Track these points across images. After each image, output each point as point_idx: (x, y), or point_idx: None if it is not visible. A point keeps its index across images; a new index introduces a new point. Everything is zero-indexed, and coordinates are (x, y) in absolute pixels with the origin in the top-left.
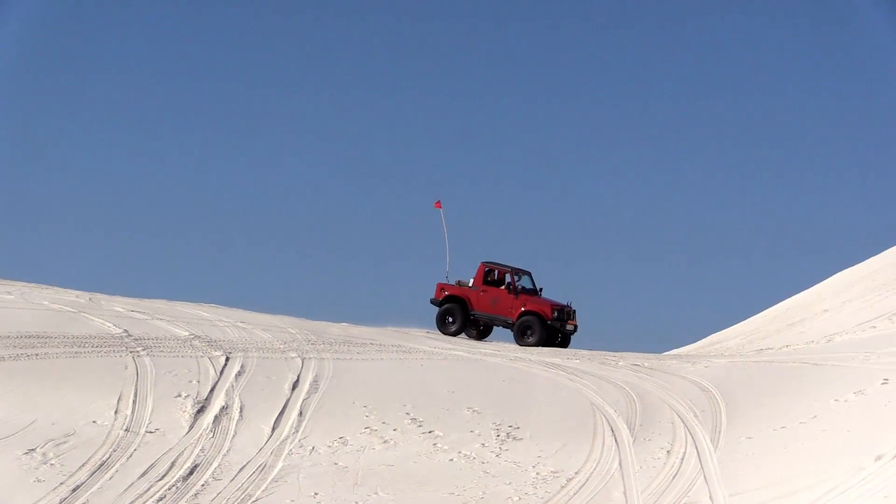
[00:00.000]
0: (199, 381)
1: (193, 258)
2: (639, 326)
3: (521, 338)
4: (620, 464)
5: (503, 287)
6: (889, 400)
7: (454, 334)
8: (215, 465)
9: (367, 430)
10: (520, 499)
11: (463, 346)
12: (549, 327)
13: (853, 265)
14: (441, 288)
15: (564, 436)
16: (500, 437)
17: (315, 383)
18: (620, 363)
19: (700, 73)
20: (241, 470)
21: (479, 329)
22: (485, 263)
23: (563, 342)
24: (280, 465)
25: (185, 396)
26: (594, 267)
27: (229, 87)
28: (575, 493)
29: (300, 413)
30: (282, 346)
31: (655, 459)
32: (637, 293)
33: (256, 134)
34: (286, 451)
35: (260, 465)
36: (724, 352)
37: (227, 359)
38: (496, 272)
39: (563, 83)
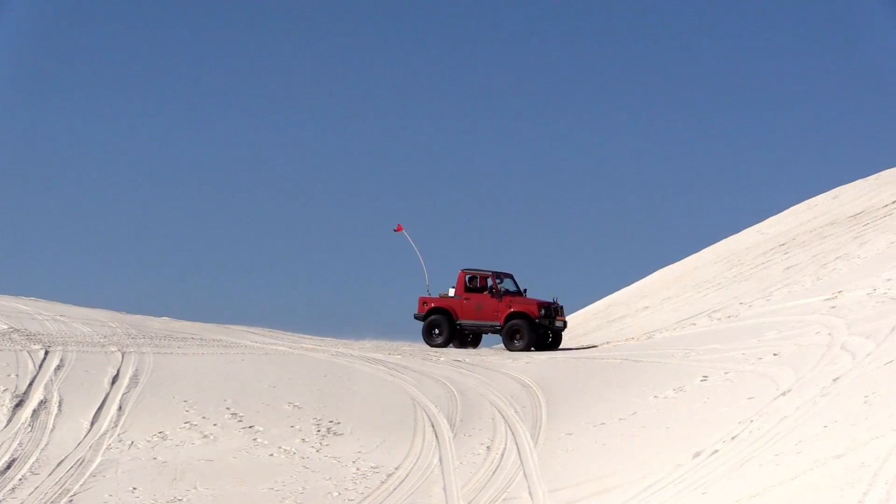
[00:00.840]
0: (17, 375)
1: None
2: None
3: (511, 342)
4: (441, 460)
5: (486, 292)
6: (708, 397)
7: (442, 346)
8: (33, 459)
9: (187, 425)
10: (339, 494)
11: (285, 341)
12: (538, 326)
13: (673, 263)
14: (423, 302)
15: (385, 431)
16: (320, 433)
17: (135, 377)
18: (442, 359)
19: None
20: (59, 464)
21: (467, 339)
22: (465, 271)
23: (555, 341)
24: (99, 459)
25: (4, 390)
26: (395, 264)
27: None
28: (395, 489)
29: (120, 407)
30: (102, 340)
31: (475, 455)
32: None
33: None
34: (105, 446)
35: (78, 460)
36: (551, 348)
37: (47, 352)
38: (477, 278)
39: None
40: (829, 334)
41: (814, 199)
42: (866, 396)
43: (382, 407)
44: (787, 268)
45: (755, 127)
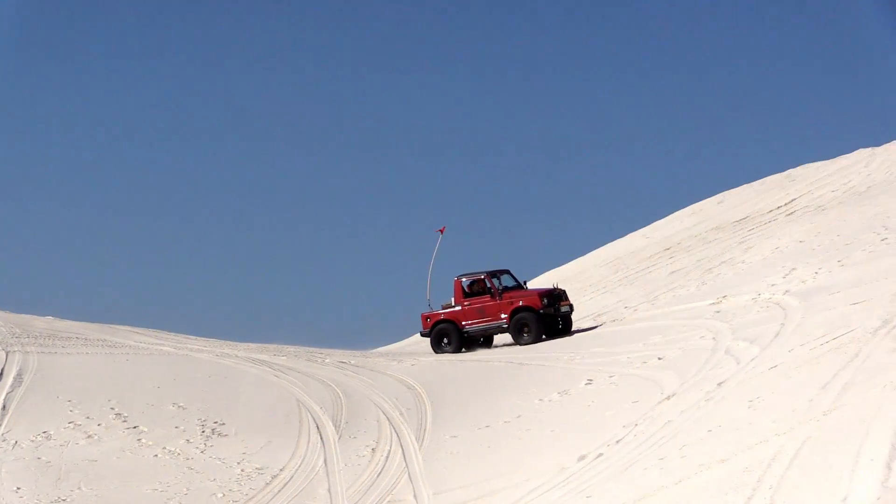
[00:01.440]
0: None
1: None
2: (346, 324)
3: (520, 336)
4: (326, 461)
5: (485, 294)
6: (593, 400)
7: (455, 351)
8: None
9: (72, 425)
10: (224, 495)
11: (169, 342)
12: (545, 316)
13: (559, 266)
14: (426, 318)
15: (270, 432)
16: (205, 434)
17: (19, 377)
18: (327, 360)
19: None
20: None
21: (479, 342)
22: (459, 277)
23: (566, 327)
24: None
25: None
26: (301, 264)
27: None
28: (279, 490)
29: (3, 407)
30: None
31: (360, 457)
32: (345, 291)
33: None
34: None
35: None
36: (429, 349)
37: None
38: (475, 282)
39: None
40: (714, 339)
41: (699, 203)
42: (750, 401)
43: (267, 408)
44: (672, 272)
45: (642, 132)
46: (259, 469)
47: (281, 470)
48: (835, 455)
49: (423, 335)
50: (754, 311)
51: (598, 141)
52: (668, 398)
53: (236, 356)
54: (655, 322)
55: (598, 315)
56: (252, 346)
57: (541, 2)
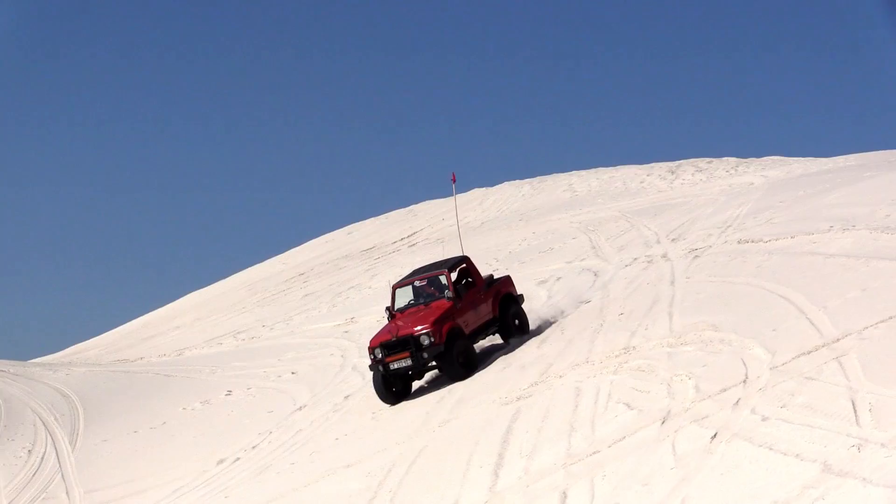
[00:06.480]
0: None
1: None
2: (4, 334)
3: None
4: None
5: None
6: (232, 410)
7: None
8: None
9: None
10: None
11: None
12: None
13: (202, 287)
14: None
15: None
16: None
17: None
18: None
19: None
20: None
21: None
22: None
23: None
24: None
25: None
26: None
27: None
28: None
29: None
30: None
31: (18, 458)
32: (5, 301)
33: None
34: None
35: None
36: (84, 361)
37: None
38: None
39: None
40: (343, 356)
41: (331, 233)
42: (374, 413)
43: None
44: (306, 295)
45: (285, 162)
46: None
47: None
48: (447, 462)
49: None
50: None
51: (250, 169)
52: (300, 409)
53: None
54: (289, 339)
55: (238, 333)
56: None
57: None
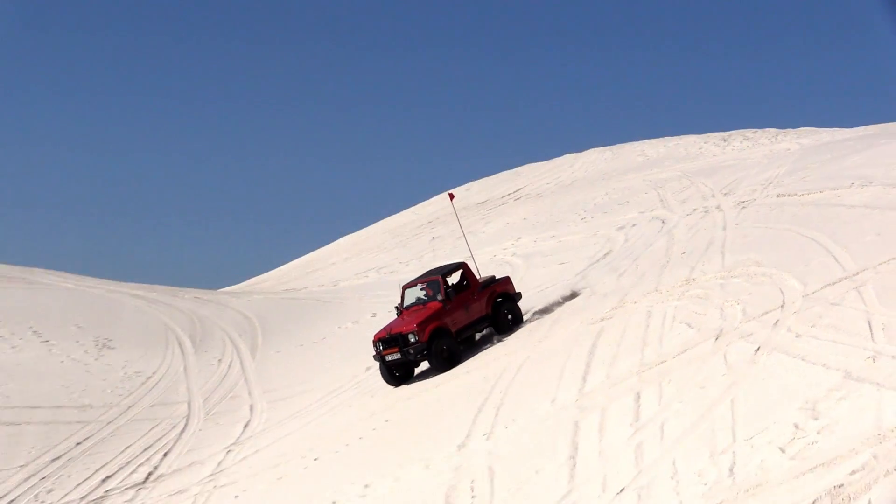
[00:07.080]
0: None
1: None
2: (200, 268)
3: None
4: (185, 368)
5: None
6: (377, 327)
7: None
8: None
9: (0, 339)
10: (111, 390)
11: (71, 280)
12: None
13: (352, 232)
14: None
15: (145, 347)
16: (98, 346)
17: None
18: (186, 296)
19: None
20: None
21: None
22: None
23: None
24: None
25: None
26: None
27: None
28: (153, 388)
29: None
30: None
31: (210, 366)
32: (193, 243)
33: None
34: None
35: None
36: (261, 290)
37: None
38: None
39: None
40: None
41: (453, 189)
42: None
43: (143, 328)
44: (433, 238)
45: (415, 131)
46: (137, 372)
47: (153, 373)
48: (546, 369)
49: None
50: (492, 268)
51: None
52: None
53: (120, 292)
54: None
55: (380, 268)
56: (132, 284)
57: None
